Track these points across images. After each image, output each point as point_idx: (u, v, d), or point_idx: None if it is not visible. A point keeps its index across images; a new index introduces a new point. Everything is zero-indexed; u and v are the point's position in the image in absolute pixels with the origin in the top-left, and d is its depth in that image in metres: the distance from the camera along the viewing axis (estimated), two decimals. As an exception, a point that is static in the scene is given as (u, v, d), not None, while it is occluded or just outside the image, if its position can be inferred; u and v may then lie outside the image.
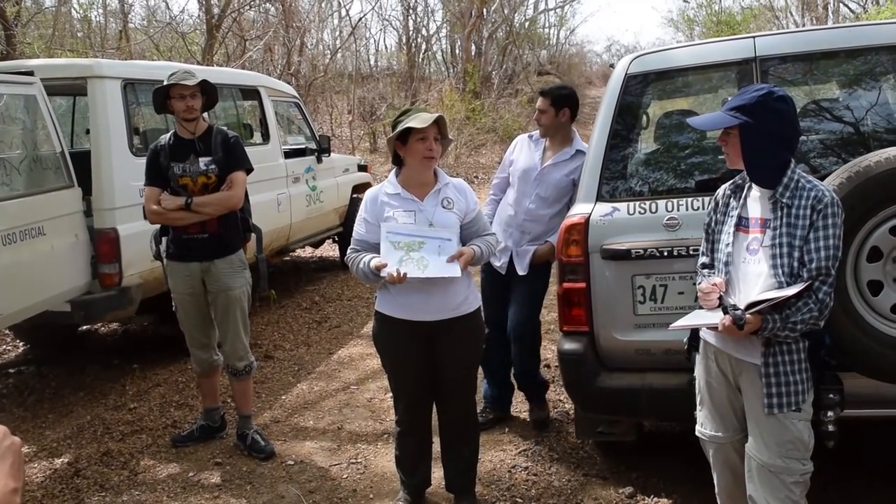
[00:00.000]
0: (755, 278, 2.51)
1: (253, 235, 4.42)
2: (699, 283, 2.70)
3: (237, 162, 4.21)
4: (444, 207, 3.24)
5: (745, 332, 2.42)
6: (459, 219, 3.28)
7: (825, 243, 2.42)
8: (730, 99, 2.67)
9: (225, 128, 4.35)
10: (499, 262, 4.32)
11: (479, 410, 4.47)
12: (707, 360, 2.72)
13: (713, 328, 2.55)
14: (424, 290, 3.17)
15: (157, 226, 4.28)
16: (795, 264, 2.44)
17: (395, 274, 3.02)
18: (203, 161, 4.12)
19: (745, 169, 2.57)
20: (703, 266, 2.78)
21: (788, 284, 2.43)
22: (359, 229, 3.30)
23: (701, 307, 2.65)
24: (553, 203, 4.24)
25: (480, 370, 4.08)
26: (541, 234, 4.27)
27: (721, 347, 2.64)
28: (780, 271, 2.45)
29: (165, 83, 4.05)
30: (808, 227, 2.44)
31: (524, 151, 4.43)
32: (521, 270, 4.27)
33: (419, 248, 3.12)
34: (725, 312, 2.47)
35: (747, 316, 2.40)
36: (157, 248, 4.32)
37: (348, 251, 3.31)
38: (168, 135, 4.20)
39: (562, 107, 4.27)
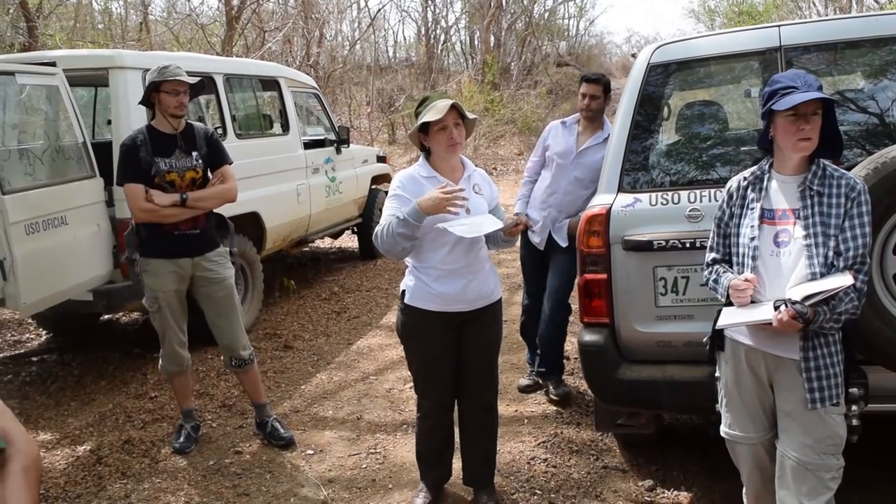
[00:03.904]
0: (788, 271, 2.46)
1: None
2: (719, 279, 2.64)
3: (223, 156, 4.22)
4: (476, 193, 3.27)
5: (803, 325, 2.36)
6: (487, 205, 3.30)
7: (861, 231, 2.39)
8: (790, 83, 2.46)
9: (198, 122, 4.29)
10: (538, 239, 4.71)
11: (526, 375, 5.03)
12: (736, 360, 2.64)
13: (767, 324, 2.43)
14: (464, 278, 3.17)
15: (133, 224, 4.12)
16: (830, 254, 2.40)
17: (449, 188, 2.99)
18: (194, 155, 4.09)
19: (827, 149, 2.48)
20: (715, 261, 2.71)
21: (822, 275, 2.39)
22: (392, 204, 3.15)
23: (728, 303, 2.59)
24: (589, 184, 4.48)
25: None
26: (576, 212, 4.55)
27: (754, 345, 2.57)
28: (815, 262, 2.41)
29: (157, 77, 3.92)
30: (842, 215, 2.41)
31: (559, 136, 4.76)
32: (563, 242, 4.61)
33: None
34: (775, 308, 2.39)
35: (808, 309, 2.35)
36: (132, 249, 4.15)
37: (377, 228, 3.15)
38: (141, 129, 4.06)
39: (608, 93, 4.70)
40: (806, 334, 2.43)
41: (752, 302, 2.51)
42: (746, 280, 2.51)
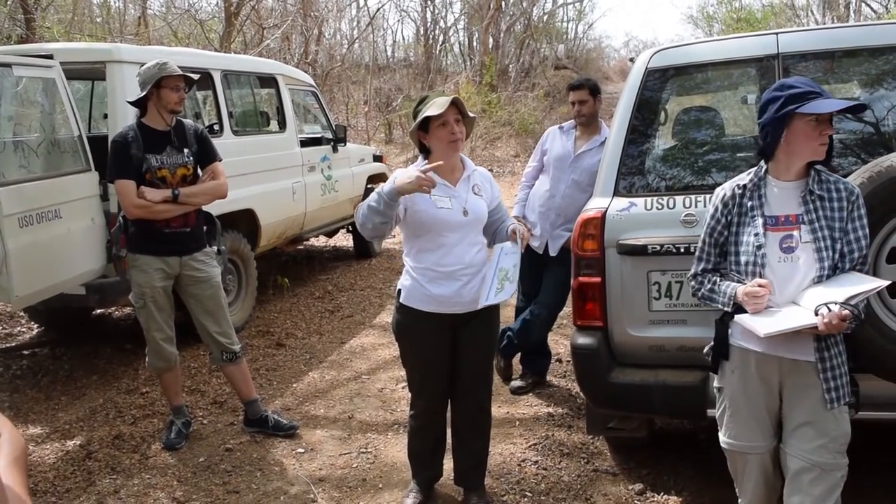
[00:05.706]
0: (797, 276, 2.47)
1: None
2: (716, 288, 2.61)
3: (213, 153, 4.24)
4: (475, 194, 3.25)
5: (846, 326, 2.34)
6: (487, 206, 3.29)
7: (863, 233, 2.46)
8: (811, 88, 2.46)
9: (187, 120, 4.29)
10: (536, 243, 4.69)
11: (518, 376, 5.05)
12: (744, 368, 2.59)
13: (813, 328, 2.37)
14: (460, 280, 3.15)
15: (120, 220, 4.12)
16: (836, 256, 2.45)
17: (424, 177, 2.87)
18: (186, 152, 4.09)
19: (828, 157, 2.51)
20: (705, 272, 2.68)
21: (829, 278, 2.43)
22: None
23: (735, 312, 2.55)
24: (587, 188, 4.44)
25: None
26: (574, 217, 4.43)
27: (768, 351, 2.53)
28: (825, 265, 2.43)
29: (159, 73, 3.91)
30: (845, 218, 2.45)
31: (557, 141, 4.79)
32: (553, 252, 4.64)
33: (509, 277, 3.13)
34: (816, 313, 2.34)
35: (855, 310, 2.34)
36: (119, 246, 4.17)
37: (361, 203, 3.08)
38: (132, 126, 4.04)
39: (597, 95, 4.73)
40: (819, 335, 2.43)
41: (769, 307, 2.48)
42: (761, 286, 2.47)
